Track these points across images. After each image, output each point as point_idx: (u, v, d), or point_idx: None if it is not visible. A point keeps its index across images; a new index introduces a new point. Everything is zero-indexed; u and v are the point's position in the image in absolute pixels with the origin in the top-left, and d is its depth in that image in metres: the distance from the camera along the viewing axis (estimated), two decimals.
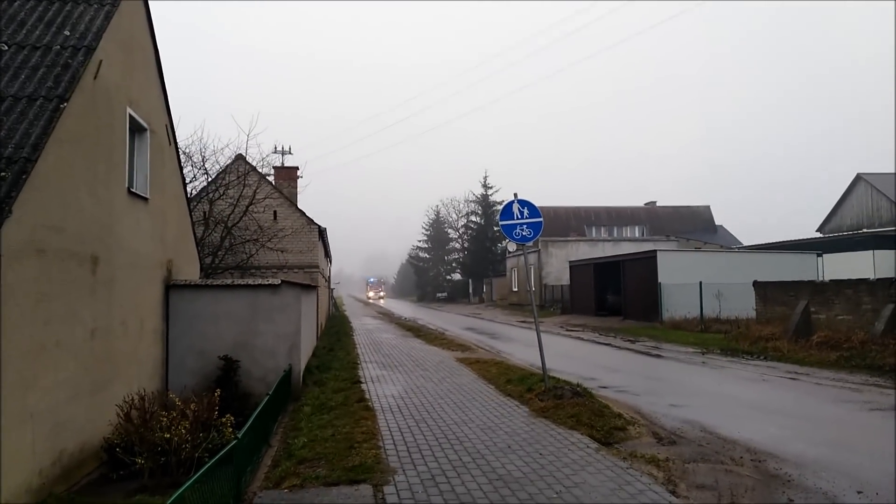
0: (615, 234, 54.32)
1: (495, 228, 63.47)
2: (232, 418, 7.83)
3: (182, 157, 13.91)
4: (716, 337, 20.42)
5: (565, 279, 42.61)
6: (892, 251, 32.97)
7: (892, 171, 45.09)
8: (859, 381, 12.16)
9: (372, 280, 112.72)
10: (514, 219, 11.49)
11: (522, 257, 47.76)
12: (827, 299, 18.07)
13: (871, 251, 33.24)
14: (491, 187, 71.31)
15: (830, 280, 20.00)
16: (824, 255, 31.83)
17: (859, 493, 5.87)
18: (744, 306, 22.67)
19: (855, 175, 45.17)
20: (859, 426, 8.77)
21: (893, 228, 37.61)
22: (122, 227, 8.33)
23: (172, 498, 4.06)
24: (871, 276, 21.17)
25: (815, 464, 6.83)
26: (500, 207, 54.10)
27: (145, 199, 9.34)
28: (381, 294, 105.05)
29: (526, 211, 11.47)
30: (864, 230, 40.24)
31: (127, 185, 8.57)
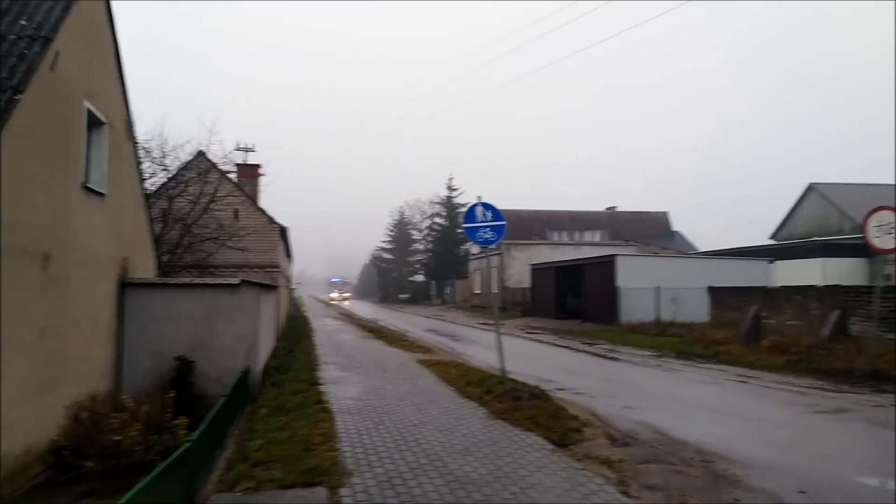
0: (576, 238, 55.10)
1: (459, 230, 63.69)
2: (186, 420, 7.72)
3: (141, 152, 13.67)
4: (671, 340, 20.86)
5: (527, 282, 43.03)
6: (841, 259, 34.21)
7: (843, 181, 46.77)
8: (805, 384, 12.59)
9: (335, 280, 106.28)
10: (477, 221, 11.58)
11: (485, 260, 48.34)
12: (777, 305, 18.67)
13: (821, 259, 34.43)
14: (455, 189, 71.58)
15: (781, 286, 20.68)
16: (776, 262, 32.84)
17: (802, 493, 6.09)
18: (698, 311, 23.24)
19: (807, 185, 46.72)
20: (804, 428, 9.09)
21: (842, 237, 39.02)
22: (76, 223, 8.14)
23: (121, 501, 4.00)
24: (820, 283, 21.92)
25: (762, 465, 7.06)
26: (464, 210, 54.50)
27: (102, 194, 9.14)
28: (346, 295, 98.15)
29: (489, 214, 11.57)
30: (815, 238, 41.63)
31: (83, 181, 8.38)
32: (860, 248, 31.48)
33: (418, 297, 77.95)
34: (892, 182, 41.94)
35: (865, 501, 5.99)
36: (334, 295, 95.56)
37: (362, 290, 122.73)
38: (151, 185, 18.24)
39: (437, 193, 79.61)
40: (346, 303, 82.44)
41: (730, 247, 42.33)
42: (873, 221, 13.59)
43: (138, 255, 11.32)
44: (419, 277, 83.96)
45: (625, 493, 6.02)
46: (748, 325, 18.49)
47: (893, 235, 13.30)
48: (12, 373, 6.44)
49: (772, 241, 47.16)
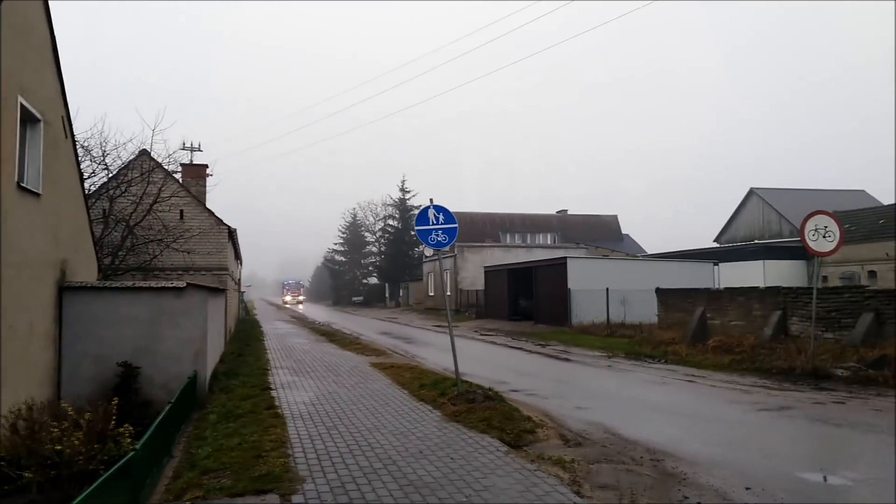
0: (528, 241, 55.66)
1: (412, 233, 63.57)
2: (131, 428, 7.44)
3: (80, 150, 13.15)
4: (621, 341, 21.26)
5: (480, 284, 43.25)
6: (781, 261, 35.55)
7: (782, 186, 48.63)
8: (749, 383, 12.99)
9: (289, 282, 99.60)
10: (429, 224, 11.56)
11: (439, 262, 48.15)
12: (722, 306, 19.23)
13: (762, 261, 35.72)
14: (409, 191, 71.50)
15: (725, 288, 21.30)
16: (720, 265, 33.88)
17: (748, 489, 6.25)
18: (647, 312, 23.75)
19: (748, 189, 48.39)
20: (749, 426, 9.36)
21: (781, 240, 40.55)
22: (10, 223, 7.75)
23: None
24: (761, 285, 22.70)
25: (709, 462, 7.24)
26: (417, 212, 54.29)
27: (37, 194, 8.74)
28: (300, 298, 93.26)
29: (441, 217, 11.56)
30: (756, 241, 43.17)
31: (17, 179, 8.00)
32: (799, 251, 32.87)
33: (372, 299, 77.48)
34: (829, 188, 43.89)
35: (807, 496, 6.18)
36: (288, 298, 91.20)
37: (315, 293, 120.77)
38: (92, 184, 17.62)
39: (390, 195, 79.50)
40: (301, 307, 78.97)
41: (676, 249, 43.52)
42: (810, 225, 14.12)
43: (78, 257, 10.89)
44: (373, 280, 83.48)
45: (578, 493, 6.08)
46: (694, 326, 19.00)
47: (830, 239, 13.85)
48: None
49: (716, 245, 48.67)
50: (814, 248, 14.04)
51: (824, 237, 13.90)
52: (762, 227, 46.52)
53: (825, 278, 32.22)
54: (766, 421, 9.64)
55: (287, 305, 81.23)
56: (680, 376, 14.16)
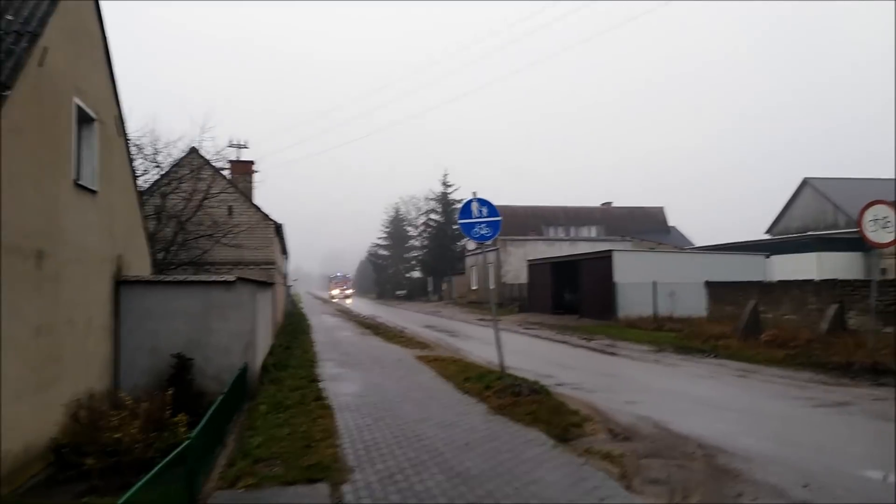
0: (572, 234, 55.08)
1: (455, 226, 63.57)
2: (185, 417, 7.66)
3: (133, 149, 13.55)
4: (669, 335, 20.86)
5: (524, 278, 43.00)
6: (836, 253, 34.31)
7: (837, 176, 46.87)
8: (805, 378, 12.59)
9: (337, 275, 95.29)
10: (473, 217, 11.52)
11: (482, 256, 48.26)
12: (775, 299, 18.68)
13: (816, 253, 34.52)
14: (451, 185, 71.41)
15: (778, 281, 20.70)
16: (772, 257, 32.89)
17: (805, 486, 6.06)
18: (696, 305, 23.25)
19: (802, 180, 46.80)
20: (804, 422, 9.07)
21: (837, 231, 39.13)
22: (68, 220, 8.04)
23: (123, 499, 3.94)
24: (816, 278, 21.96)
25: (764, 458, 7.03)
26: (459, 206, 54.38)
27: (93, 191, 9.04)
28: (348, 292, 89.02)
29: (485, 210, 11.51)
30: (810, 233, 41.75)
31: (74, 178, 8.28)
32: (855, 243, 31.60)
33: (415, 293, 77.87)
34: (887, 177, 42.07)
35: (866, 494, 5.95)
36: (335, 292, 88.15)
37: (359, 287, 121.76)
38: (144, 182, 18.14)
39: (433, 190, 79.50)
40: (348, 300, 76.28)
41: (726, 242, 42.43)
42: (869, 216, 13.58)
43: (133, 252, 11.22)
44: (416, 274, 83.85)
45: (628, 487, 5.99)
46: (746, 320, 18.49)
47: (889, 230, 13.30)
48: (9, 371, 6.36)
49: (767, 236, 47.27)
50: (873, 239, 13.50)
51: (884, 228, 13.35)
52: (816, 217, 44.95)
53: (884, 270, 30.95)
54: (823, 417, 9.33)
55: (334, 300, 79.09)
56: (731, 371, 13.82)
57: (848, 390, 11.20)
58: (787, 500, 5.68)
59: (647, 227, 56.60)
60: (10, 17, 7.26)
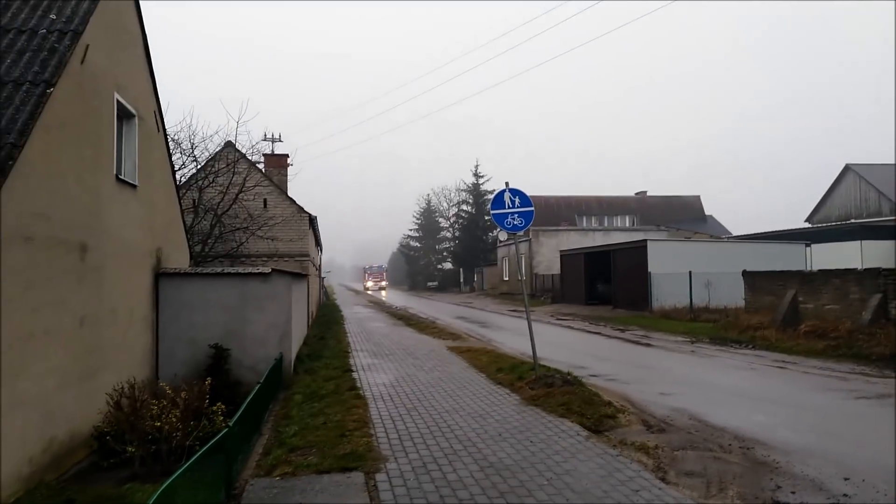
0: (606, 224, 54.47)
1: (486, 217, 63.46)
2: (223, 406, 7.81)
3: (171, 143, 13.80)
4: (705, 326, 20.56)
5: (556, 268, 42.71)
6: (880, 241, 33.29)
7: (881, 161, 45.39)
8: (846, 369, 12.29)
9: (375, 267, 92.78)
10: (505, 208, 11.48)
11: (513, 246, 47.72)
12: (815, 289, 18.22)
13: (859, 241, 33.53)
14: (482, 176, 71.32)
15: (818, 270, 20.15)
16: (812, 246, 32.07)
17: (846, 479, 5.93)
18: (733, 295, 22.82)
19: (843, 166, 45.45)
20: (845, 414, 8.87)
21: (881, 219, 37.95)
22: (110, 214, 8.25)
23: (164, 486, 4.05)
24: (859, 266, 21.35)
25: (803, 451, 6.90)
26: (491, 196, 53.95)
27: (133, 186, 9.25)
28: (383, 284, 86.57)
29: (517, 200, 11.46)
30: (852, 220, 40.57)
31: (115, 172, 8.49)
32: None
33: (447, 284, 78.03)
34: None
35: None
36: (369, 284, 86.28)
37: (391, 278, 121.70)
38: (182, 176, 18.47)
39: (464, 181, 79.37)
40: (383, 293, 73.01)
41: (764, 230, 41.49)
42: None
43: (171, 245, 11.47)
44: (447, 265, 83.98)
45: (663, 479, 5.94)
46: (785, 310, 18.09)
47: None
48: (54, 361, 6.58)
49: (808, 225, 46.08)
50: None
51: None
52: (859, 205, 43.62)
53: None
54: (865, 409, 9.10)
55: (368, 291, 76.87)
56: (769, 362, 13.55)
57: (890, 382, 10.90)
58: (827, 494, 5.57)
59: (683, 216, 55.65)
60: (53, 17, 7.46)
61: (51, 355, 6.51)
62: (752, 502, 5.42)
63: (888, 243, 33.26)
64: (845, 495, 5.53)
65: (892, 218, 35.24)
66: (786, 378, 11.72)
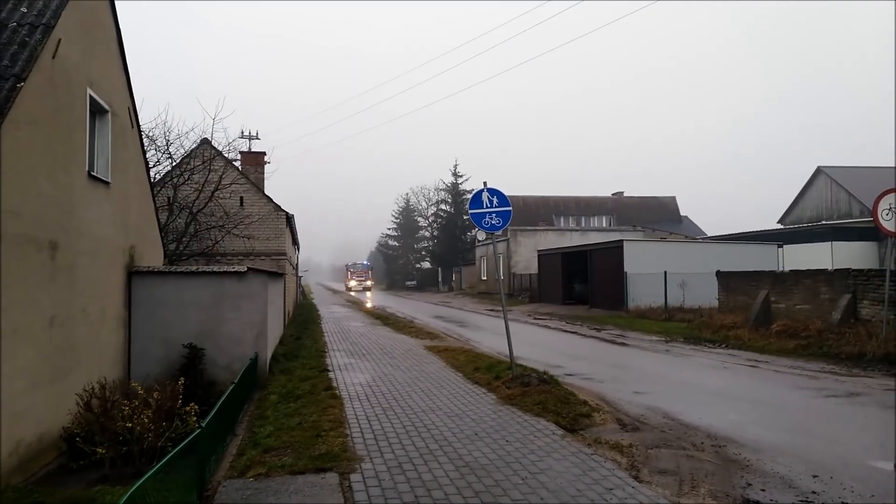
0: (583, 224, 54.91)
1: (465, 217, 63.52)
2: (196, 407, 7.74)
3: (145, 140, 13.62)
4: (679, 325, 20.81)
5: (534, 268, 42.95)
6: (850, 242, 33.99)
7: (851, 164, 46.31)
8: (816, 368, 12.53)
9: (359, 265, 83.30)
10: (483, 207, 11.51)
11: (492, 246, 48.17)
12: (786, 289, 18.54)
13: (830, 242, 34.22)
14: (461, 176, 71.41)
15: (790, 270, 20.51)
16: (785, 246, 32.64)
17: (815, 477, 6.05)
18: (707, 295, 23.13)
19: (815, 168, 46.30)
20: (815, 412, 9.03)
21: (851, 221, 38.74)
22: (82, 211, 8.11)
23: (133, 488, 4.00)
24: (829, 267, 21.77)
25: (773, 449, 7.02)
26: (469, 196, 53.77)
27: (107, 183, 9.11)
28: (368, 284, 78.79)
29: (495, 200, 11.49)
30: (824, 222, 41.36)
31: (87, 169, 8.34)
32: (870, 232, 31.36)
33: (425, 283, 78.00)
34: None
35: (877, 485, 5.93)
36: (352, 283, 77.83)
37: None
38: (156, 173, 18.22)
39: (443, 180, 79.46)
40: (368, 293, 65.59)
41: (738, 231, 42.12)
42: (883, 204, 13.47)
43: (145, 243, 11.31)
44: (426, 264, 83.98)
45: (636, 477, 6.00)
46: (757, 310, 18.39)
47: None
48: (23, 361, 6.45)
49: (780, 226, 46.89)
50: (887, 228, 13.40)
51: None
52: (830, 206, 44.50)
53: None
54: (834, 407, 9.29)
55: (351, 292, 68.17)
56: (742, 361, 13.77)
57: (860, 380, 11.13)
58: (797, 491, 5.67)
59: (659, 216, 56.32)
60: (24, 10, 7.31)
61: (19, 356, 6.37)
62: (724, 500, 5.50)
63: (858, 244, 34.01)
64: (814, 492, 5.63)
65: (862, 220, 35.97)
66: (758, 377, 11.91)
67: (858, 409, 9.11)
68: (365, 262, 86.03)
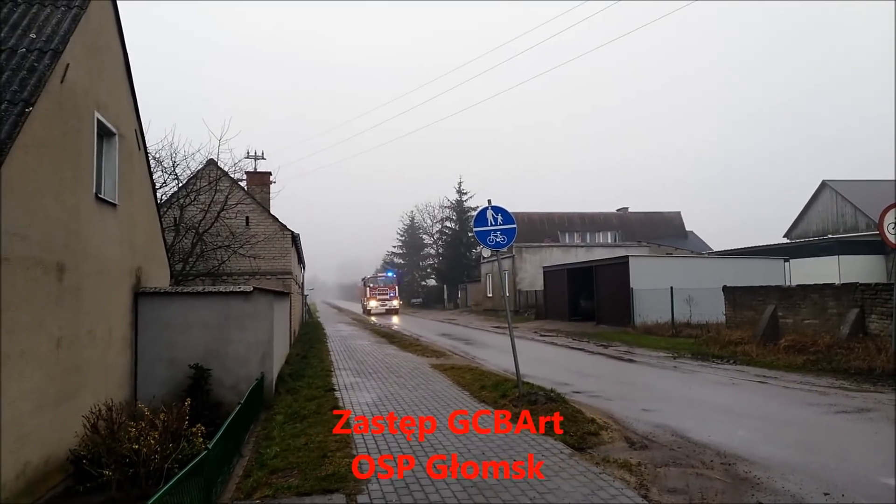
0: (588, 240, 54.80)
1: (470, 234, 63.54)
2: (203, 428, 7.71)
3: (152, 161, 13.74)
4: (687, 341, 20.68)
5: (539, 285, 42.86)
6: (857, 256, 33.85)
7: (856, 178, 46.25)
8: (825, 384, 12.42)
9: (381, 278, 61.95)
10: (488, 225, 11.53)
11: (497, 263, 47.77)
12: (794, 304, 18.44)
13: (837, 256, 34.07)
14: (465, 193, 71.46)
15: (797, 285, 20.40)
16: (791, 261, 32.51)
17: (826, 494, 5.98)
18: (714, 311, 23.02)
19: (820, 182, 46.25)
20: (825, 429, 8.95)
21: (857, 234, 38.60)
22: (89, 233, 8.17)
23: None
24: (837, 281, 21.65)
25: (783, 466, 6.95)
26: (474, 213, 53.04)
27: (114, 204, 9.18)
28: (395, 305, 58.22)
29: (500, 217, 11.52)
30: (830, 236, 41.22)
31: (94, 191, 8.42)
32: (876, 245, 31.20)
33: (430, 301, 77.88)
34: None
35: (888, 502, 5.85)
36: (372, 304, 56.94)
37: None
38: (163, 194, 18.35)
39: (447, 197, 79.59)
40: (395, 317, 50.28)
41: (744, 246, 42.01)
42: (889, 218, 13.41)
43: (152, 264, 11.36)
44: (431, 282, 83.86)
45: (645, 496, 5.94)
46: (765, 325, 18.29)
47: None
48: (30, 383, 6.46)
49: (786, 240, 46.75)
50: (893, 241, 13.32)
51: None
52: (836, 220, 44.39)
53: None
54: (845, 423, 9.19)
55: (372, 317, 50.13)
56: (750, 377, 13.66)
57: (869, 396, 11.03)
58: None
59: (664, 232, 56.20)
60: (33, 36, 7.42)
61: (26, 378, 6.39)
62: None
63: (865, 258, 33.86)
64: None
65: (869, 233, 35.85)
66: (766, 393, 11.81)
67: (868, 425, 9.01)
68: (389, 274, 63.91)
